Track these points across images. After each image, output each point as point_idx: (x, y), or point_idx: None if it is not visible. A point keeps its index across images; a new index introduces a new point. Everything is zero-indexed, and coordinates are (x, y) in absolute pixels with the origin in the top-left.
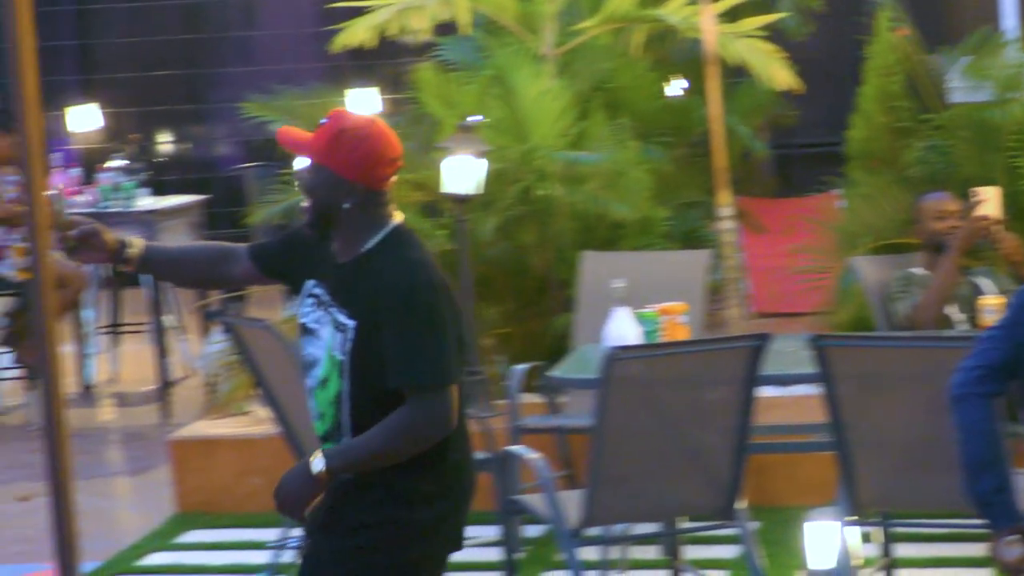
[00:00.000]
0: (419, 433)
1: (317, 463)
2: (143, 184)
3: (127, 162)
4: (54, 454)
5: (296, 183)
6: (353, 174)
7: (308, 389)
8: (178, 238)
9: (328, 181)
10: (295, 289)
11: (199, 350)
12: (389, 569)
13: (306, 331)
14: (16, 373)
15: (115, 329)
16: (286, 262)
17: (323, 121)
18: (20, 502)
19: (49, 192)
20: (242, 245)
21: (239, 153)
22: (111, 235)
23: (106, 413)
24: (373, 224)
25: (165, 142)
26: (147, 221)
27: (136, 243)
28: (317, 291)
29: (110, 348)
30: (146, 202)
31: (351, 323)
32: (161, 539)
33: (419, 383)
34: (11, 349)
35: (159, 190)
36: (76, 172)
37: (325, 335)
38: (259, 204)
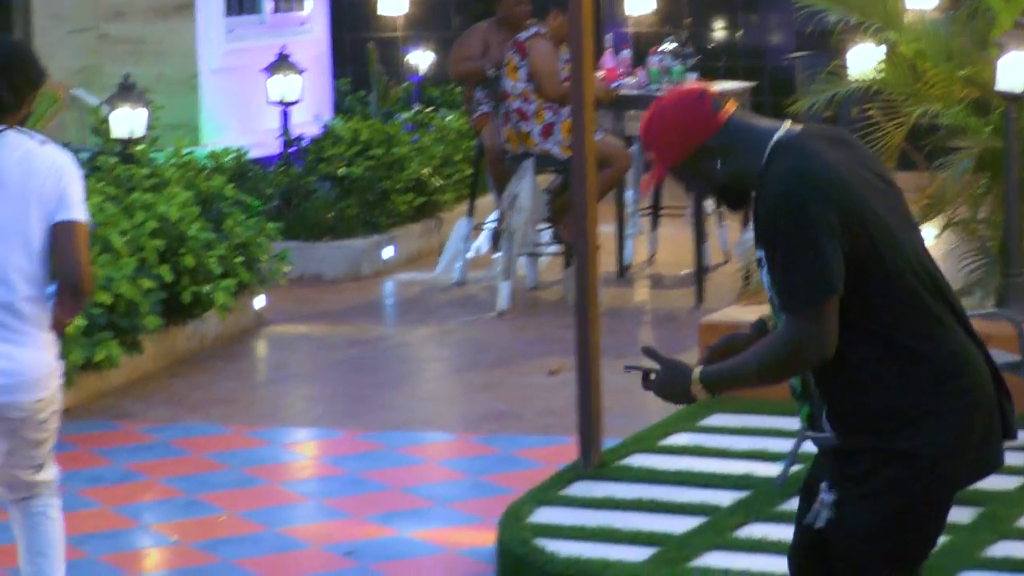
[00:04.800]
0: (793, 354)
1: (698, 391)
2: (692, 69)
3: (678, 46)
4: (584, 331)
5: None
6: (688, 147)
7: None
8: None
9: (688, 171)
10: None
11: (737, 236)
12: (914, 505)
13: None
14: (555, 249)
15: (655, 211)
16: None
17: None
18: (550, 376)
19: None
20: None
21: (790, 42)
22: None
23: (640, 294)
24: (752, 154)
25: (717, 28)
26: None
27: None
28: None
29: (649, 230)
30: None
31: (761, 254)
32: (685, 420)
33: (789, 306)
34: (551, 225)
35: (707, 75)
36: (627, 54)
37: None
38: (805, 94)
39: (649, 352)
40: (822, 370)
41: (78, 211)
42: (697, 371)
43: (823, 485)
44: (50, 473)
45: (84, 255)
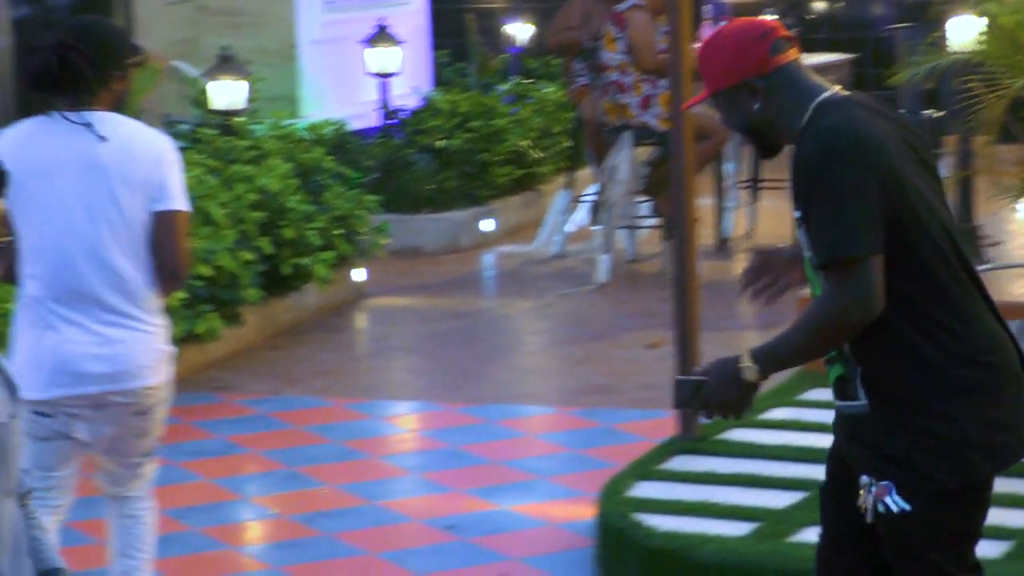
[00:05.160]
0: (837, 315)
1: (748, 371)
2: None
3: (778, 17)
4: (683, 304)
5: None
6: (734, 77)
7: None
8: None
9: (727, 100)
10: None
11: None
12: (956, 488)
13: None
14: (654, 222)
15: (755, 184)
16: None
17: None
18: (649, 349)
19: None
20: None
21: (891, 14)
22: None
23: (740, 267)
24: (795, 107)
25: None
26: None
27: None
28: None
29: (748, 203)
30: None
31: (798, 214)
32: (783, 395)
33: (828, 258)
34: (650, 198)
35: (808, 47)
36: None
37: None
38: (906, 65)
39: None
40: (860, 335)
41: (179, 200)
42: (745, 351)
43: (865, 479)
44: (151, 468)
45: (184, 243)
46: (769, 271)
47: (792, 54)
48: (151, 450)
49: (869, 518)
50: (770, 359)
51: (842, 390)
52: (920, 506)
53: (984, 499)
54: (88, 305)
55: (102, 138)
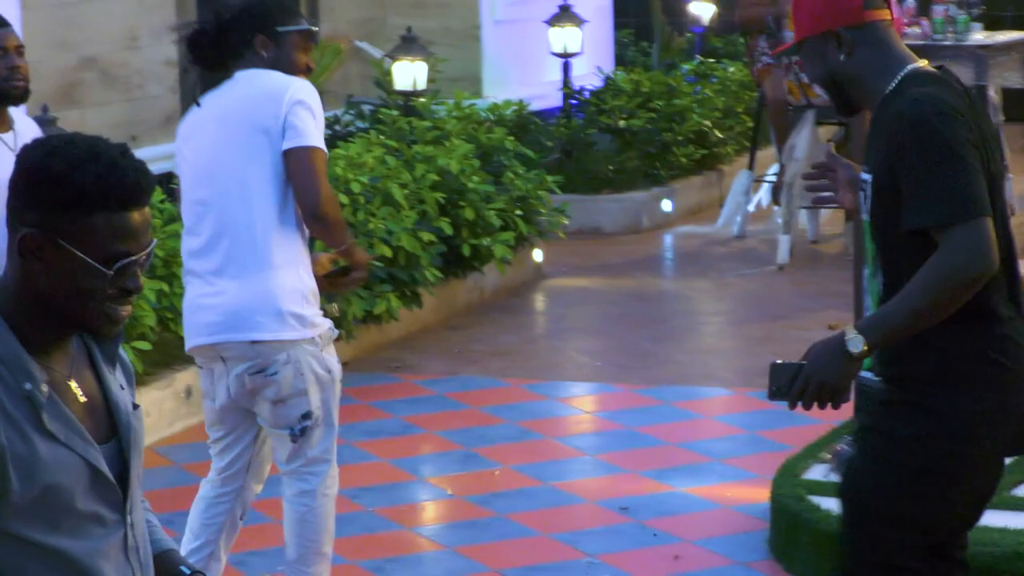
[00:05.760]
0: (952, 276)
1: (854, 342)
2: (977, 18)
3: None
4: (863, 285)
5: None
6: (824, 23)
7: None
8: (1008, 74)
9: (813, 50)
10: None
11: (1022, 190)
12: (933, 470)
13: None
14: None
15: None
16: None
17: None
18: (830, 331)
19: None
20: None
21: None
22: None
23: None
24: (883, 68)
25: None
26: (978, 56)
27: None
28: None
29: None
30: (978, 36)
31: (867, 177)
32: None
33: (940, 218)
34: None
35: (994, 25)
36: (910, 3)
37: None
38: None
39: None
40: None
41: (310, 137)
42: (853, 332)
43: (845, 438)
44: (315, 451)
45: (320, 180)
46: (829, 177)
47: (885, 14)
48: (294, 424)
49: (834, 476)
50: (877, 329)
51: (876, 365)
52: (885, 475)
53: (964, 491)
54: (214, 256)
55: (197, 104)
